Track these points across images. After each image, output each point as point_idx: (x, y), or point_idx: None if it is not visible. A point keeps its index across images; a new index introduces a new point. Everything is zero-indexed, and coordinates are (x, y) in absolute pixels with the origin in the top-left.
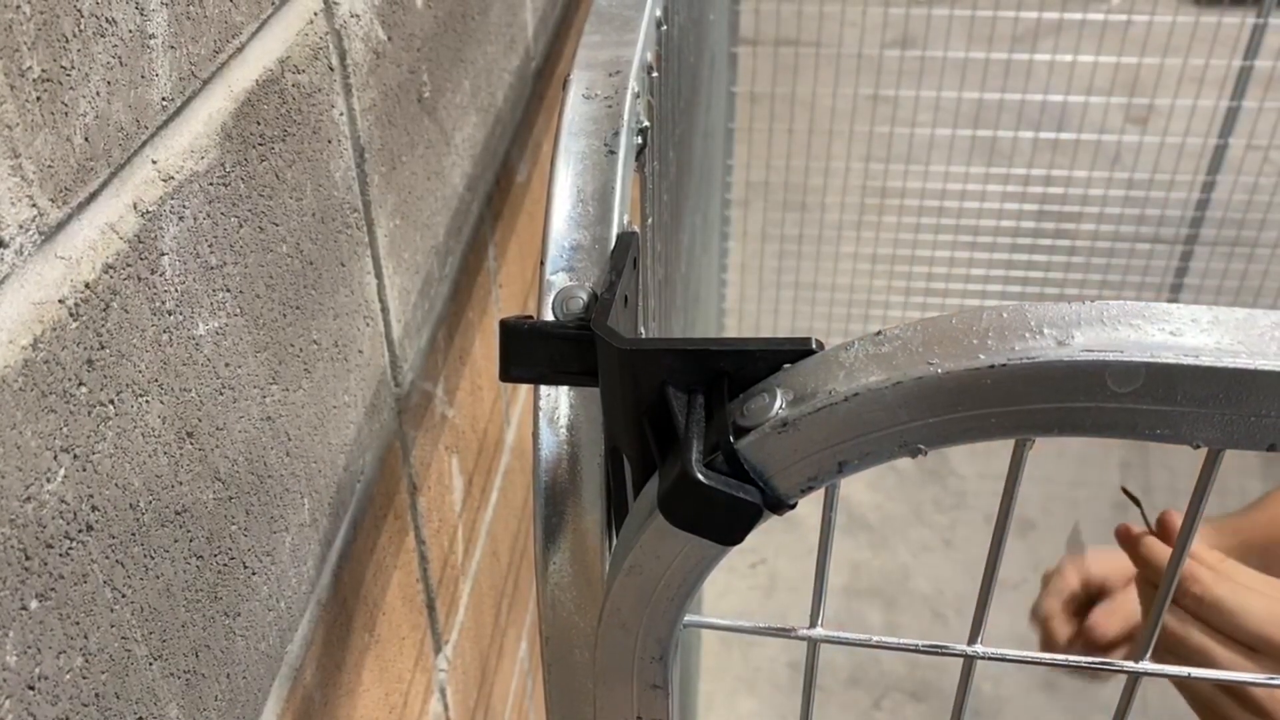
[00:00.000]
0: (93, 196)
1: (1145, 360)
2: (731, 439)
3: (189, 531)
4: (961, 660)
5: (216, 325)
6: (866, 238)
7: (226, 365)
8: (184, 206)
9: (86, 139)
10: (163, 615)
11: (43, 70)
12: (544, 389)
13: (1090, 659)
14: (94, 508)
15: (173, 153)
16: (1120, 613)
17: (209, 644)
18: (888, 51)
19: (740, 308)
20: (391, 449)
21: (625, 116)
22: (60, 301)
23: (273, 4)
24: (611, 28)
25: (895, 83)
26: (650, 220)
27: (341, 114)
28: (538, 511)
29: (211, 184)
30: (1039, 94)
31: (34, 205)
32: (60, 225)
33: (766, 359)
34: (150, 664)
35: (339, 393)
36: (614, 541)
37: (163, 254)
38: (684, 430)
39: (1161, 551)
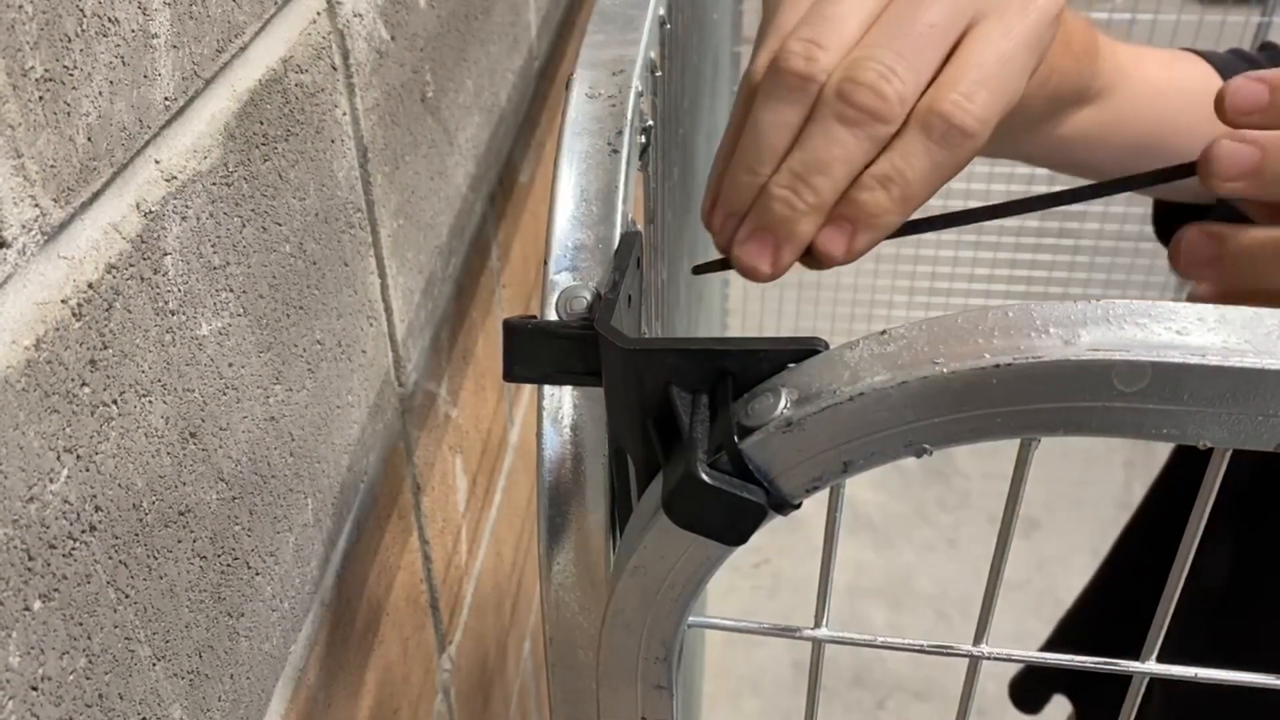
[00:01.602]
0: (95, 196)
1: (1151, 359)
2: (736, 439)
3: (192, 532)
4: (966, 660)
5: (220, 325)
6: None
7: (230, 365)
8: (187, 206)
9: (89, 139)
10: (166, 616)
11: (45, 70)
12: (548, 389)
13: (1094, 659)
14: (97, 508)
15: (175, 152)
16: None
17: (212, 645)
18: None
19: (744, 307)
20: (395, 449)
21: (629, 116)
22: (63, 302)
23: (275, 3)
24: (615, 27)
25: None
26: (654, 220)
27: (345, 114)
28: (541, 512)
29: (214, 184)
30: None
31: (37, 205)
32: (63, 225)
33: (771, 359)
34: (154, 665)
35: (342, 393)
36: (618, 542)
37: (166, 254)
38: (688, 430)
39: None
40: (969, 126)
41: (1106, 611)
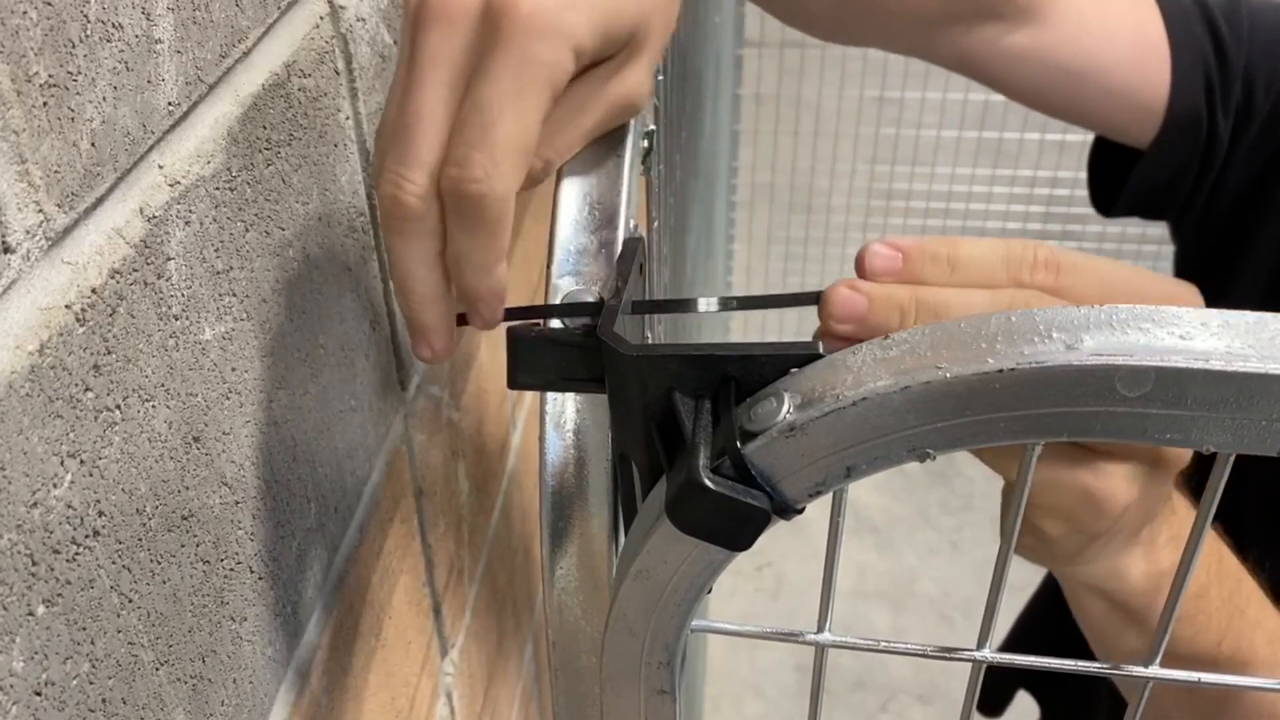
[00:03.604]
0: (99, 202)
1: (1155, 364)
2: (738, 444)
3: (196, 536)
4: (969, 664)
5: (223, 330)
6: (873, 240)
7: (233, 370)
8: (190, 211)
9: (93, 144)
10: (169, 620)
11: (49, 76)
12: (550, 393)
13: (1096, 665)
14: (101, 513)
15: (179, 157)
16: None
17: (216, 649)
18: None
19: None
20: (398, 453)
21: (631, 120)
22: (67, 307)
23: (279, 8)
24: None
25: (901, 84)
26: (656, 224)
27: (348, 118)
28: (544, 516)
29: (218, 188)
30: None
31: (40, 211)
32: (67, 231)
33: (773, 364)
34: (157, 669)
35: (345, 397)
36: (620, 546)
37: (169, 259)
38: (691, 436)
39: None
40: (471, 192)
41: (1061, 607)
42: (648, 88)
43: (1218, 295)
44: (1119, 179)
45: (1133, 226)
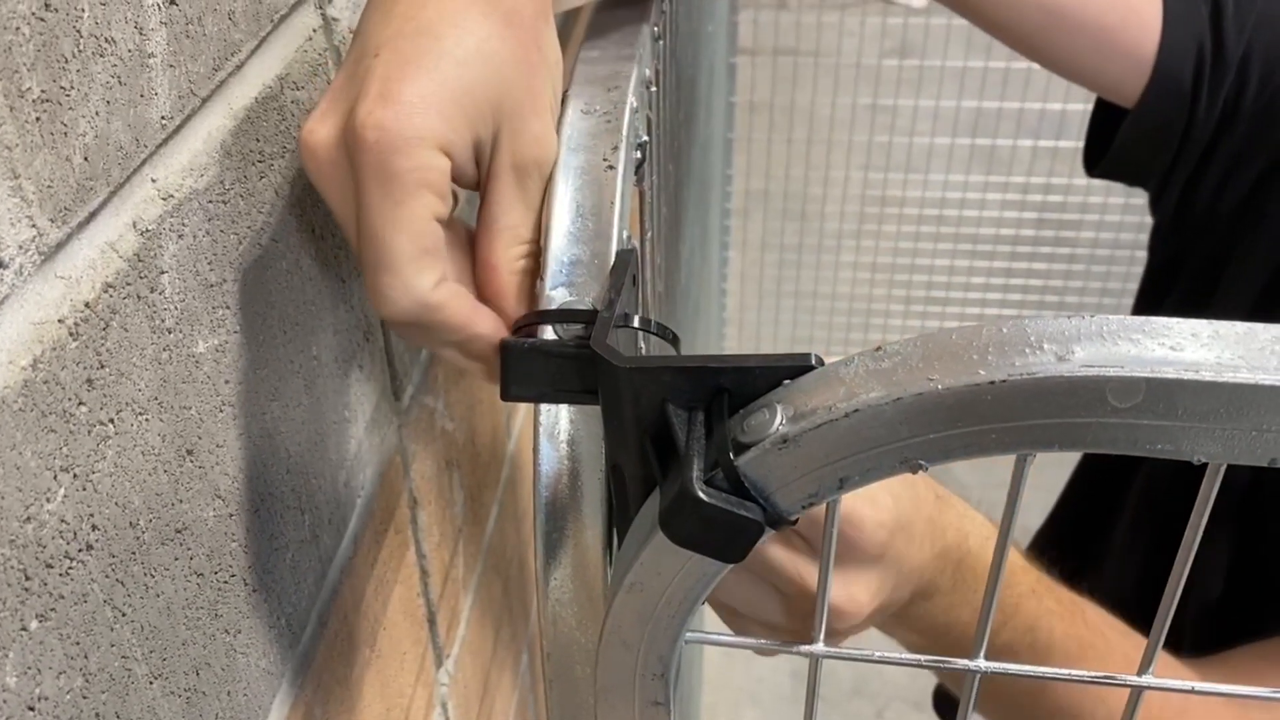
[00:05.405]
0: (92, 216)
1: (1145, 375)
2: (732, 456)
3: (189, 549)
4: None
5: (216, 343)
6: (866, 247)
7: (226, 383)
8: (183, 224)
9: (86, 159)
10: (163, 634)
11: (42, 91)
12: (544, 404)
13: (1092, 674)
14: (94, 527)
15: (172, 171)
16: None
17: (209, 662)
18: (886, 61)
19: (740, 317)
20: (392, 463)
21: (624, 131)
22: (60, 321)
23: (271, 22)
24: (609, 42)
25: (894, 92)
26: (650, 234)
27: None
28: (539, 527)
29: (211, 201)
30: (1038, 102)
31: (34, 225)
32: (60, 245)
33: (766, 375)
34: (150, 683)
35: (339, 408)
36: (615, 557)
37: (162, 272)
38: (684, 447)
39: None
40: (394, 314)
41: None
42: (544, 144)
43: (1200, 305)
44: (1109, 141)
45: (1125, 233)
